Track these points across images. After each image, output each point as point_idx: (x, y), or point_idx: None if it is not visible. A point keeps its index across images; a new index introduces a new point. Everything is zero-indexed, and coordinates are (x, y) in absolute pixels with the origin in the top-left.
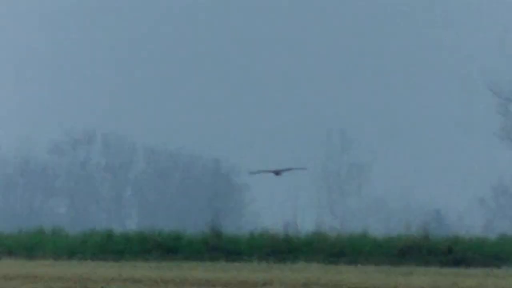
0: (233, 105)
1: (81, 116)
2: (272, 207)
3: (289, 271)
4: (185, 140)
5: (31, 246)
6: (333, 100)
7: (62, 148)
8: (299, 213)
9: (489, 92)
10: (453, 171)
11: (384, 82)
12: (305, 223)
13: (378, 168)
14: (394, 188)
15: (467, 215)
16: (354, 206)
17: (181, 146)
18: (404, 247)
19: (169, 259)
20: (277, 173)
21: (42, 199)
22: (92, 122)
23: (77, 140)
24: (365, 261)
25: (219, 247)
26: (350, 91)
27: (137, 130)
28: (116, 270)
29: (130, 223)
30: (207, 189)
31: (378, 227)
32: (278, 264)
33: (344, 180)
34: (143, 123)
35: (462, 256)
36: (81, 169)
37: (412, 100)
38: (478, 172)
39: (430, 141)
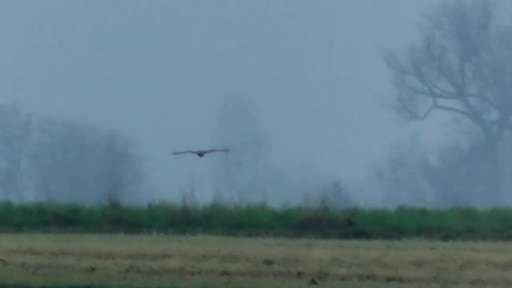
0: (128, 76)
1: None
2: (170, 179)
3: (188, 243)
4: (81, 112)
5: None
6: (230, 68)
7: None
8: (197, 185)
9: (384, 63)
10: (351, 143)
11: (282, 51)
12: (203, 195)
13: (277, 140)
14: (292, 160)
15: (365, 187)
16: (252, 178)
17: (78, 117)
18: (304, 219)
19: (68, 231)
20: (200, 154)
21: None
22: None
23: None
24: (264, 233)
25: (118, 219)
26: (248, 60)
27: (33, 101)
28: (15, 242)
29: (28, 194)
30: (104, 161)
31: (277, 199)
32: (177, 236)
33: (241, 151)
34: (39, 94)
35: (362, 228)
36: None
37: (310, 71)
38: (375, 144)
39: (328, 112)
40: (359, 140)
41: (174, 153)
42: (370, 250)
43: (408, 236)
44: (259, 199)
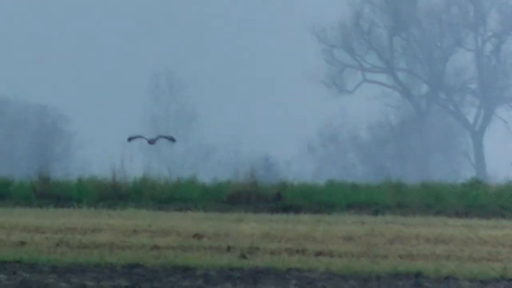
0: (59, 51)
1: None
2: (101, 154)
3: (118, 217)
4: (12, 87)
5: None
6: (160, 44)
7: None
8: (127, 160)
9: (314, 38)
10: (282, 118)
11: (212, 26)
12: (134, 170)
13: (207, 115)
14: (223, 135)
15: (295, 162)
16: (183, 153)
17: (8, 92)
18: (233, 193)
19: None
20: (150, 142)
21: None
22: None
23: None
24: (194, 208)
25: (48, 193)
26: (177, 35)
27: None
28: None
29: None
30: (34, 136)
31: (207, 174)
32: (107, 210)
33: (171, 126)
34: None
35: (291, 203)
36: None
37: (240, 46)
38: (306, 119)
39: (258, 87)
40: (289, 115)
41: (129, 139)
42: (300, 225)
43: (338, 211)
44: (189, 174)
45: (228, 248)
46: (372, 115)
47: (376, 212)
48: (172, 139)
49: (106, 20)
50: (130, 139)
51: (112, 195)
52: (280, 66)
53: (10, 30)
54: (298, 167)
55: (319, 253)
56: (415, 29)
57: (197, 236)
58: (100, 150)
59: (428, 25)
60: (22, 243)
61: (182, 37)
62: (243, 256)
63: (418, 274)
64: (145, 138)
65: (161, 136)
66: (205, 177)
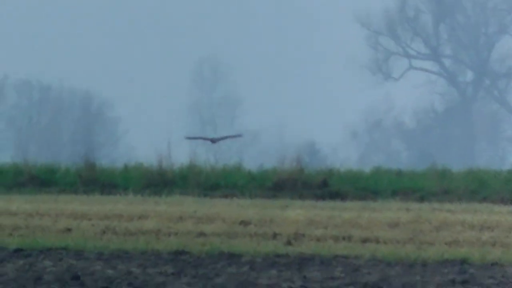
0: (104, 37)
1: None
2: (146, 140)
3: (164, 204)
4: (57, 73)
5: None
6: (204, 29)
7: None
8: (173, 147)
9: (359, 25)
10: (327, 104)
11: (258, 13)
12: (179, 156)
13: (252, 101)
14: (268, 121)
15: (341, 149)
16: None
17: (54, 79)
18: (279, 180)
19: (43, 192)
20: (213, 141)
21: None
22: None
23: None
24: (240, 195)
25: (94, 180)
26: (222, 21)
27: (9, 63)
28: None
29: (3, 156)
30: (80, 122)
31: (253, 161)
32: (153, 197)
33: (216, 112)
34: (15, 55)
35: (337, 189)
36: None
37: (285, 33)
38: (351, 106)
39: (303, 74)
40: (334, 101)
41: (187, 138)
42: (345, 211)
43: (383, 198)
44: (234, 161)
45: (274, 235)
46: (417, 102)
47: (421, 199)
48: (239, 136)
49: (151, 7)
50: (188, 138)
51: (158, 181)
52: (325, 52)
53: (53, 17)
54: (343, 153)
55: (364, 240)
56: (460, 16)
57: (243, 223)
58: (145, 136)
59: (473, 11)
60: (68, 230)
61: (227, 23)
62: (289, 243)
63: (463, 261)
64: (207, 139)
65: (228, 137)
66: (250, 163)
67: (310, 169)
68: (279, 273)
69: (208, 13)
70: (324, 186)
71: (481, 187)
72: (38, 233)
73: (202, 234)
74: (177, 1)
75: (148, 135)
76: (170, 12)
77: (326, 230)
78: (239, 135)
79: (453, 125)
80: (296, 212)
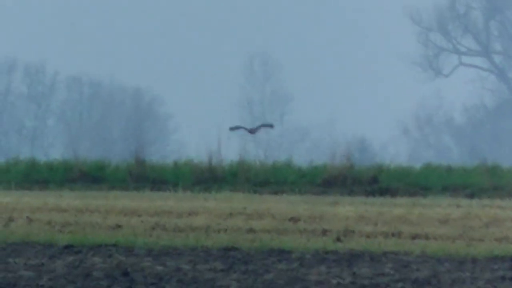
0: (154, 34)
1: (0, 45)
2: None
3: (214, 200)
4: (107, 69)
5: None
6: (254, 25)
7: None
8: (223, 143)
9: (409, 21)
10: (377, 100)
11: (307, 8)
12: (229, 152)
13: (302, 97)
14: (318, 117)
15: (391, 145)
16: (278, 135)
17: (104, 75)
18: (329, 176)
19: (94, 188)
20: (251, 132)
21: None
22: (12, 50)
23: None
24: (289, 191)
25: (144, 176)
26: (272, 17)
27: (58, 59)
28: (41, 199)
29: (54, 152)
30: (130, 118)
31: (303, 157)
32: (203, 193)
33: (267, 108)
34: (66, 51)
35: (387, 186)
36: (3, 98)
37: (335, 29)
38: (401, 102)
39: (353, 70)
40: (385, 97)
41: (231, 128)
42: (395, 208)
43: (434, 194)
44: (284, 157)
45: (324, 232)
46: (468, 98)
47: (471, 195)
48: (271, 126)
49: (201, 2)
50: (232, 128)
51: (208, 178)
52: (375, 48)
53: (107, 16)
54: (393, 149)
55: (414, 236)
56: (510, 12)
57: (293, 219)
58: (195, 133)
59: None
60: (118, 226)
61: (277, 19)
62: (339, 239)
63: None
64: (246, 128)
65: (262, 126)
66: (300, 160)
67: (360, 165)
68: (329, 269)
69: (259, 9)
70: (374, 182)
71: None
72: (88, 230)
73: (251, 230)
74: None
75: (198, 131)
76: (221, 7)
77: (376, 226)
78: (271, 125)
79: (503, 121)
80: (346, 209)
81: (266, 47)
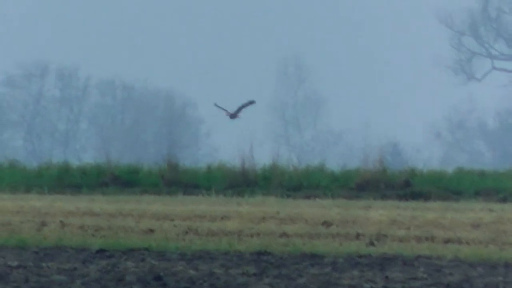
0: (186, 37)
1: (33, 49)
2: (229, 141)
3: (246, 204)
4: (140, 73)
5: None
6: (287, 29)
7: (15, 81)
8: (255, 146)
9: (441, 24)
10: (409, 104)
11: (340, 13)
12: (262, 156)
13: (335, 101)
14: (351, 121)
15: (424, 149)
16: (310, 140)
17: (137, 79)
18: (362, 180)
19: (126, 192)
20: (232, 116)
21: None
22: (45, 54)
23: (30, 72)
24: (322, 195)
25: (176, 181)
26: (305, 21)
27: (91, 63)
28: (73, 203)
29: (86, 156)
30: (163, 122)
31: (335, 160)
32: (236, 197)
33: (300, 112)
34: (98, 55)
35: (420, 190)
36: (36, 102)
37: (368, 33)
38: (433, 106)
39: (386, 74)
40: (416, 101)
41: (216, 104)
42: (428, 212)
43: (466, 198)
44: (317, 161)
45: (357, 236)
46: (500, 102)
47: (504, 199)
48: (251, 102)
49: (235, 5)
50: (216, 105)
51: (240, 182)
52: (407, 51)
53: (139, 20)
54: (426, 153)
55: (447, 241)
56: None
57: (326, 223)
58: (228, 137)
59: None
60: (151, 231)
61: (310, 23)
62: (371, 243)
63: None
64: (228, 113)
65: (242, 107)
66: (333, 164)
67: (393, 169)
68: (361, 273)
69: (292, 13)
70: (407, 186)
71: None
72: (120, 234)
73: (284, 234)
74: (261, 1)
75: (231, 135)
76: (255, 11)
77: (409, 230)
78: (252, 102)
79: None
80: (378, 213)
81: (299, 51)
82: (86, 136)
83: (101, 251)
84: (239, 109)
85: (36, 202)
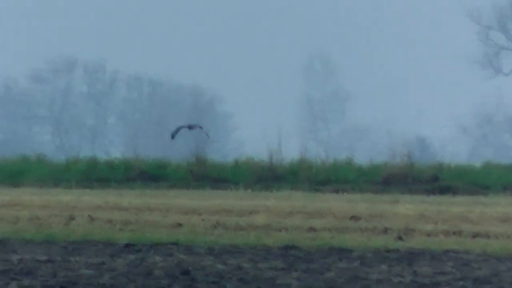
0: (213, 33)
1: (61, 44)
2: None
3: (274, 199)
4: (167, 68)
5: (16, 173)
6: (314, 26)
7: (43, 76)
8: (283, 141)
9: (468, 19)
10: (437, 99)
11: (366, 10)
12: (290, 151)
13: (362, 96)
14: (378, 116)
15: (451, 144)
16: (338, 134)
17: (164, 73)
18: (389, 175)
19: (153, 187)
20: (190, 127)
21: (25, 127)
22: (72, 49)
23: (58, 68)
24: (350, 189)
25: (204, 175)
26: (331, 17)
27: (118, 58)
28: (101, 198)
29: (114, 150)
30: (190, 117)
31: (363, 155)
32: (264, 192)
33: (327, 107)
34: (125, 51)
35: (447, 184)
36: (63, 97)
37: (394, 28)
38: (461, 100)
39: (413, 68)
40: (445, 96)
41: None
42: (455, 206)
43: (494, 192)
44: (345, 155)
45: (385, 230)
46: None
47: None
48: (192, 127)
49: (262, 2)
50: (173, 135)
51: (268, 176)
52: (434, 46)
53: (166, 15)
54: (453, 148)
55: (475, 235)
56: None
57: (353, 217)
58: (255, 132)
59: None
60: (179, 225)
61: (336, 19)
62: (399, 238)
63: None
64: (185, 126)
65: (180, 127)
66: (361, 158)
67: (420, 164)
68: (390, 268)
69: (320, 9)
70: (435, 180)
71: None
72: (148, 228)
73: (312, 229)
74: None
75: (259, 130)
76: (283, 7)
77: (437, 225)
78: (194, 126)
79: None
80: (406, 207)
81: (326, 47)
82: (114, 131)
83: (129, 245)
84: (178, 130)
85: (64, 196)
